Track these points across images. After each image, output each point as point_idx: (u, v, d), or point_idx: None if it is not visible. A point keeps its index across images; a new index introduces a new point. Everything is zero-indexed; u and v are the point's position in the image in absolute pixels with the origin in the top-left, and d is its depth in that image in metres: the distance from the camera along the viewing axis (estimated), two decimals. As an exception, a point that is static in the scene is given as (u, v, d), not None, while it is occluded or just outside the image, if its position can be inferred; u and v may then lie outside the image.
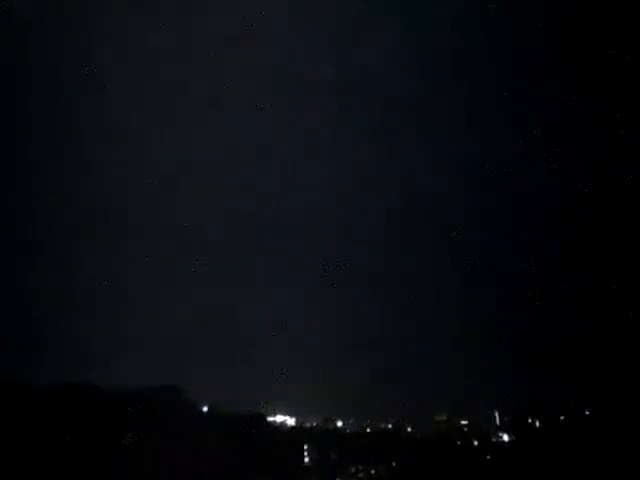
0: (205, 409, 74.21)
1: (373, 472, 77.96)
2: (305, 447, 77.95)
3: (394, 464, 78.36)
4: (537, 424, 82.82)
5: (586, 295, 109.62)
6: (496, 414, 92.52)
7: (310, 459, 77.12)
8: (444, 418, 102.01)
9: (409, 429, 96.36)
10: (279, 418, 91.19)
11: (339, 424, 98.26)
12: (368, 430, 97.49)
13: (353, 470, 77.77)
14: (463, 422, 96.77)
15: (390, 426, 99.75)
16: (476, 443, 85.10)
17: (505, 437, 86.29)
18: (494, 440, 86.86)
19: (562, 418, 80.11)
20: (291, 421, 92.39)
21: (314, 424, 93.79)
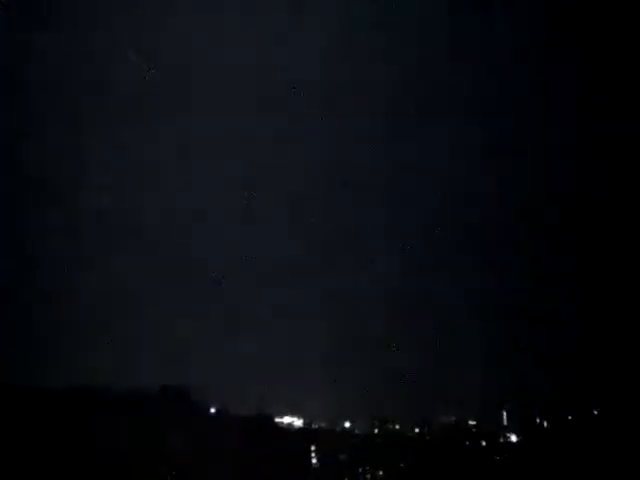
0: (213, 410, 74.56)
1: (381, 473, 77.98)
2: (312, 448, 78.22)
3: (402, 465, 78.40)
4: (545, 424, 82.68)
5: (595, 292, 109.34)
6: (504, 414, 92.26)
7: (317, 460, 77.36)
8: (452, 419, 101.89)
9: (417, 430, 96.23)
10: (287, 419, 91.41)
11: (347, 425, 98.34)
12: (376, 431, 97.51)
13: (360, 471, 77.83)
14: (471, 422, 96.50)
15: (398, 427, 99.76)
16: (484, 444, 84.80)
17: (513, 437, 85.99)
18: (502, 440, 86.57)
19: (570, 418, 79.90)
20: (299, 422, 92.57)
21: (321, 425, 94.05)
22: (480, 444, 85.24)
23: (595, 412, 78.14)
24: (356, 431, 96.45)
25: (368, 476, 77.54)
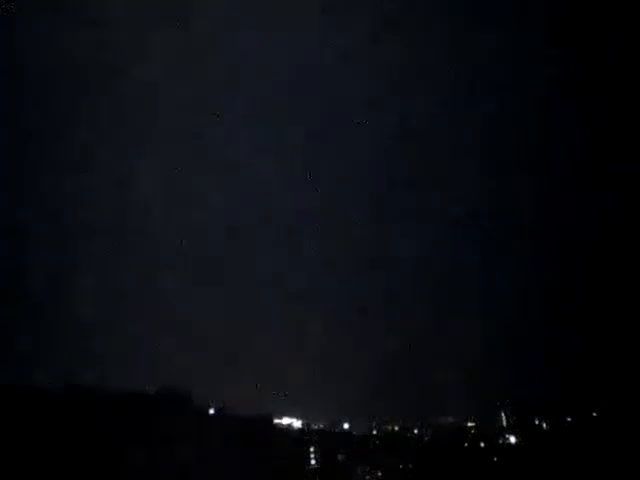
0: (212, 411, 74.41)
1: (380, 474, 77.90)
2: (311, 449, 78.14)
3: (401, 466, 78.35)
4: (544, 425, 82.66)
5: (595, 296, 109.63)
6: (503, 416, 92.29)
7: (316, 461, 77.30)
8: (451, 420, 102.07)
9: (416, 431, 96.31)
10: (286, 420, 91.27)
11: (345, 426, 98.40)
12: (374, 432, 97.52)
13: (359, 472, 77.78)
14: (470, 424, 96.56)
15: (397, 428, 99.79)
16: (483, 445, 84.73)
17: (512, 439, 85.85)
18: (501, 442, 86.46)
19: (569, 420, 79.89)
20: (298, 423, 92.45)
21: (320, 426, 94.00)
22: (479, 445, 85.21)
23: (594, 414, 78.24)
24: (355, 432, 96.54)
25: (367, 477, 77.50)
